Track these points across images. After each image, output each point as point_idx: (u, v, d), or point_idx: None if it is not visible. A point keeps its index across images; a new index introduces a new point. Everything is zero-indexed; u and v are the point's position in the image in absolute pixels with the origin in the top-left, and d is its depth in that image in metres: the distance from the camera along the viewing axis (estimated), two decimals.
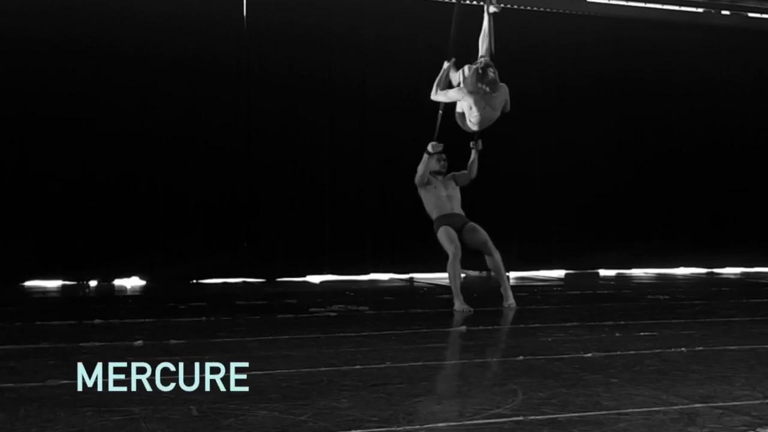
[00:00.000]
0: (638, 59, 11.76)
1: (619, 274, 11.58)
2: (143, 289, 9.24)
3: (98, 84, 9.47)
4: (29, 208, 9.29)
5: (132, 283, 9.63)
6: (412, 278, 10.46)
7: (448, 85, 6.93)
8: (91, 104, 9.47)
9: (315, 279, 10.19)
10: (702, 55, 12.11)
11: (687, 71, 12.04)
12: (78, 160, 9.42)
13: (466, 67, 6.82)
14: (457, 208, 7.15)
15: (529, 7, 11.34)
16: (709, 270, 12.03)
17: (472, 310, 6.69)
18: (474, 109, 6.52)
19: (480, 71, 6.53)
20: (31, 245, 9.27)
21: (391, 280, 10.38)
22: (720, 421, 3.20)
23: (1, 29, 9.26)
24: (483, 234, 7.03)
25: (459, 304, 6.79)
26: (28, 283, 9.33)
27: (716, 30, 12.24)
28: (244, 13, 10.15)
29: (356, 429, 3.07)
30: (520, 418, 3.24)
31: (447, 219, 7.07)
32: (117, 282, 9.59)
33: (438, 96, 6.83)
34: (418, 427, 3.11)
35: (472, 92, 6.52)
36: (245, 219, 10.14)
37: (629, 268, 11.85)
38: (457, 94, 6.65)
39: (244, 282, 9.87)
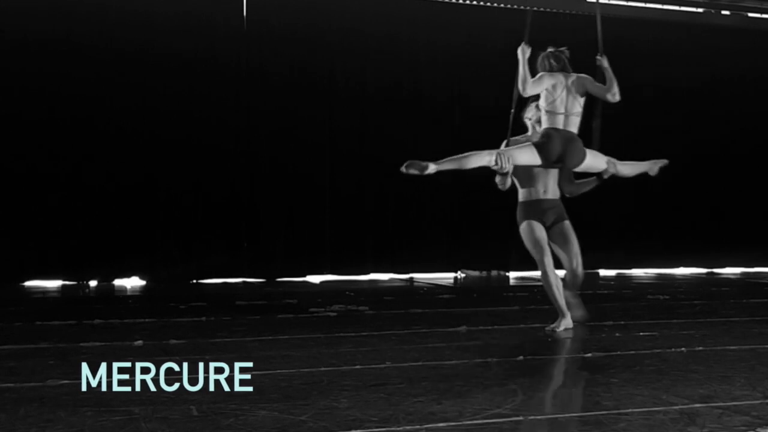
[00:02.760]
0: (638, 59, 11.74)
1: (619, 274, 11.58)
2: (143, 289, 9.24)
3: (98, 84, 9.47)
4: (29, 209, 9.29)
5: (132, 283, 9.63)
6: (412, 278, 10.46)
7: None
8: (91, 104, 9.48)
9: (315, 279, 10.19)
10: (702, 55, 12.10)
11: (687, 71, 12.04)
12: (78, 160, 9.42)
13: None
14: (551, 191, 5.69)
15: (529, 7, 11.32)
16: (709, 270, 12.03)
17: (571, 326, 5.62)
18: (555, 90, 5.54)
19: (551, 51, 5.74)
20: (31, 245, 9.28)
21: (391, 280, 10.38)
22: (720, 421, 3.20)
23: (1, 29, 9.27)
24: (574, 246, 5.66)
25: (566, 321, 5.60)
26: (28, 283, 9.33)
27: (716, 30, 12.24)
28: (244, 13, 10.15)
29: (356, 429, 3.07)
30: (520, 418, 3.24)
31: (533, 209, 5.67)
32: (117, 282, 9.59)
33: (533, 88, 5.53)
34: (418, 427, 3.11)
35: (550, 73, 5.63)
36: (245, 219, 10.14)
37: (629, 268, 11.84)
38: (549, 80, 5.57)
39: (244, 282, 9.87)
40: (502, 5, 11.15)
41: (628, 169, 5.98)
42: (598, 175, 5.78)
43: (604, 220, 11.59)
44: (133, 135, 9.60)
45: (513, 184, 5.71)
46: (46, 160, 9.33)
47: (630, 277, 11.12)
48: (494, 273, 11.14)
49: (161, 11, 9.76)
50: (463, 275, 10.87)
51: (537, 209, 5.64)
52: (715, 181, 12.08)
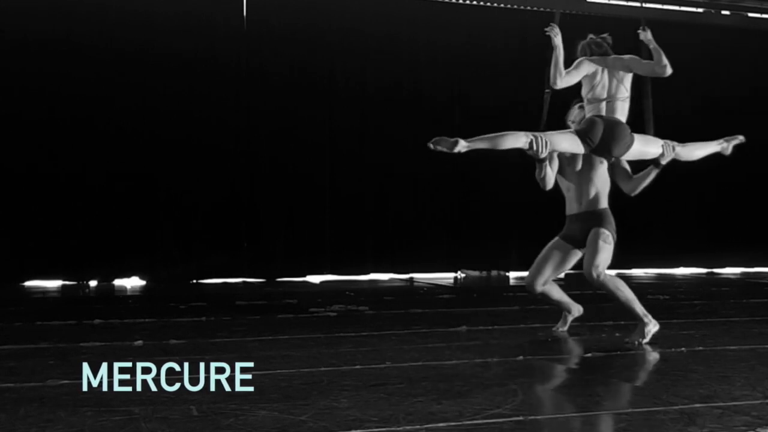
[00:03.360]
0: None
1: (619, 274, 11.49)
2: (143, 289, 9.24)
3: (98, 84, 9.47)
4: (29, 209, 9.29)
5: (132, 283, 9.63)
6: (412, 278, 10.46)
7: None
8: (91, 104, 9.48)
9: (315, 279, 10.19)
10: (702, 55, 12.09)
11: (686, 71, 12.01)
12: (78, 159, 9.42)
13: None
14: (587, 203, 5.28)
15: (529, 7, 11.35)
16: (709, 270, 12.02)
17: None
18: (595, 77, 5.13)
19: (591, 38, 5.30)
20: (31, 245, 9.28)
21: (391, 280, 10.38)
22: (720, 421, 3.19)
23: (1, 29, 9.27)
24: (588, 255, 5.12)
25: (573, 311, 5.59)
26: (28, 283, 9.33)
27: (716, 30, 12.23)
28: (244, 13, 10.15)
29: (356, 429, 3.07)
30: (520, 418, 3.24)
31: (569, 224, 5.40)
32: (117, 282, 9.59)
33: (567, 79, 5.07)
34: (418, 427, 3.11)
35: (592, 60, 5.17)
36: (245, 219, 10.14)
37: (629, 268, 11.83)
38: (589, 66, 5.12)
39: (244, 282, 9.87)
40: (502, 5, 11.15)
41: (691, 151, 5.49)
42: (655, 162, 5.29)
43: None
44: (133, 135, 9.60)
45: (556, 186, 5.34)
46: (46, 160, 9.32)
47: (630, 277, 11.10)
48: (494, 273, 11.14)
49: (161, 11, 9.76)
50: (463, 275, 10.87)
51: (572, 224, 5.33)
52: (715, 181, 12.07)
